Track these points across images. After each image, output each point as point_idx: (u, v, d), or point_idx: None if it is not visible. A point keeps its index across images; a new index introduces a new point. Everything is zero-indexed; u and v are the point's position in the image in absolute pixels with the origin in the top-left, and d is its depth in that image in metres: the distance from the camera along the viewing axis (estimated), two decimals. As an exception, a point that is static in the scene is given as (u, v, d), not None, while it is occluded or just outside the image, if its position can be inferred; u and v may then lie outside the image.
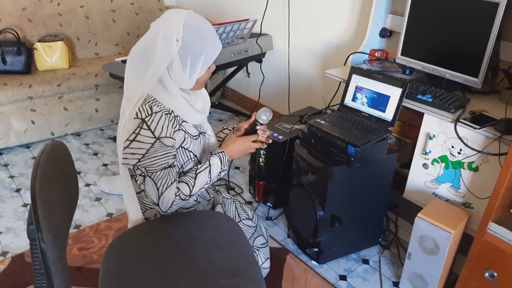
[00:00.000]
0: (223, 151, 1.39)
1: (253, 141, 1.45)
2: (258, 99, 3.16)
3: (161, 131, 1.23)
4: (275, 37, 2.90)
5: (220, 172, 1.38)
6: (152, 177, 1.26)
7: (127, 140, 1.23)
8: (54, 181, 0.95)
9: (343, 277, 1.82)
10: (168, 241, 1.27)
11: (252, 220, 1.66)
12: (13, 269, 1.78)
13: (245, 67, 3.17)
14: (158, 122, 1.22)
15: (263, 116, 1.44)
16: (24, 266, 1.79)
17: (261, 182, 2.19)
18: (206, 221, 1.38)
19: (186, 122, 1.33)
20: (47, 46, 2.75)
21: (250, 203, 2.30)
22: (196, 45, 1.22)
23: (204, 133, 1.44)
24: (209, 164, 1.35)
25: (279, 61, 2.94)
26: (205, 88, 1.43)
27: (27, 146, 2.74)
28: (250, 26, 2.62)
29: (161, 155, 1.24)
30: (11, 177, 2.42)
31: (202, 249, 1.24)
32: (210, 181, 1.35)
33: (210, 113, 1.42)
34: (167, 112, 1.26)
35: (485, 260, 1.45)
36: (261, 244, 1.63)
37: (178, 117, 1.30)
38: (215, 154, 1.38)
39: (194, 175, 1.33)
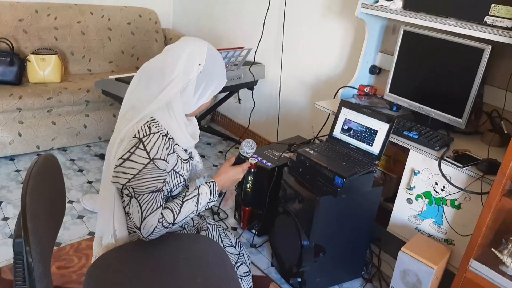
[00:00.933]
0: (214, 181, 1.38)
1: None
2: (248, 125, 3.19)
3: (156, 152, 1.23)
4: (268, 66, 2.97)
5: (208, 203, 1.36)
6: (138, 199, 1.24)
7: (121, 158, 1.23)
8: (44, 194, 0.94)
9: (324, 309, 1.81)
10: (151, 263, 1.25)
11: (235, 247, 1.64)
12: (-15, 285, 1.71)
13: (236, 93, 3.22)
14: (154, 144, 1.23)
15: (247, 149, 1.41)
16: (-3, 282, 1.73)
17: (247, 208, 2.19)
18: (191, 244, 1.36)
19: (178, 145, 1.34)
20: (41, 58, 2.75)
21: (234, 229, 2.28)
22: (212, 74, 1.28)
23: (192, 158, 1.45)
24: (198, 193, 1.33)
25: (270, 90, 2.99)
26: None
27: (11, 158, 2.69)
28: (245, 54, 2.68)
29: (152, 177, 1.24)
30: (-9, 188, 2.36)
31: (187, 272, 1.22)
32: (197, 210, 1.33)
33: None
34: (164, 134, 1.27)
35: (466, 297, 1.47)
36: (244, 273, 1.61)
37: (172, 139, 1.31)
38: (205, 183, 1.37)
39: (181, 203, 1.30)
